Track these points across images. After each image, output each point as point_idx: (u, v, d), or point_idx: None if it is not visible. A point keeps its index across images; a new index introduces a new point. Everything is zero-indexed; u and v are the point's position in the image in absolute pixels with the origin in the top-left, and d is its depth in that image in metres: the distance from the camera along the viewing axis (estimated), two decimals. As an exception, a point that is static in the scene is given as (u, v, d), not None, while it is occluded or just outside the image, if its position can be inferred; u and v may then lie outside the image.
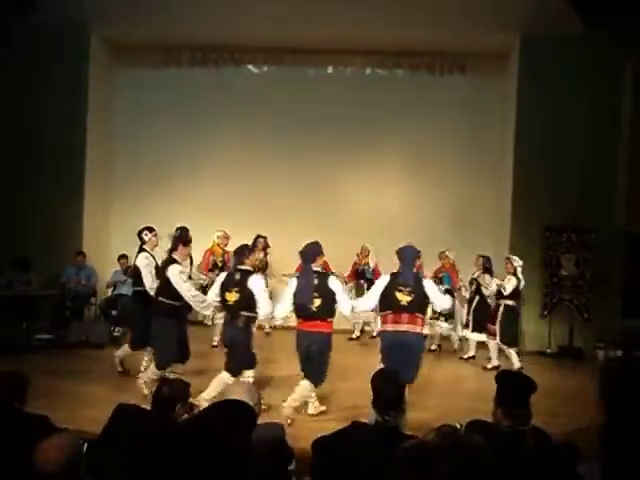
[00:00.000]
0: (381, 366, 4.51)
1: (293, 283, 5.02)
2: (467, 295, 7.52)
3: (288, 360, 5.54)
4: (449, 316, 7.61)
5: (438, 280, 7.39)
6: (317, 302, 4.85)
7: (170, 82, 9.52)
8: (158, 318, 5.31)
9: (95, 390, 5.62)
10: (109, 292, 8.85)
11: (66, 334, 7.46)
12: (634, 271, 8.05)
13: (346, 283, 7.98)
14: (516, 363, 6.76)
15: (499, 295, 7.01)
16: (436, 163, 9.41)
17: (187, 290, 5.29)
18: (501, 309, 6.96)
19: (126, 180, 9.62)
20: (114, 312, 8.37)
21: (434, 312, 6.81)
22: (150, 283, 5.77)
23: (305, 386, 4.88)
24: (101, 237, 9.46)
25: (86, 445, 2.45)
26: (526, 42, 8.36)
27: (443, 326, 7.72)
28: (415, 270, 5.01)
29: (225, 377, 4.96)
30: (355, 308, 5.08)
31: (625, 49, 7.93)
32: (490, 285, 7.07)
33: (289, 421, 4.65)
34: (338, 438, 2.67)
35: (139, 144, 9.59)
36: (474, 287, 7.36)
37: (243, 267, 5.10)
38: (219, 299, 5.16)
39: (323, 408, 5.12)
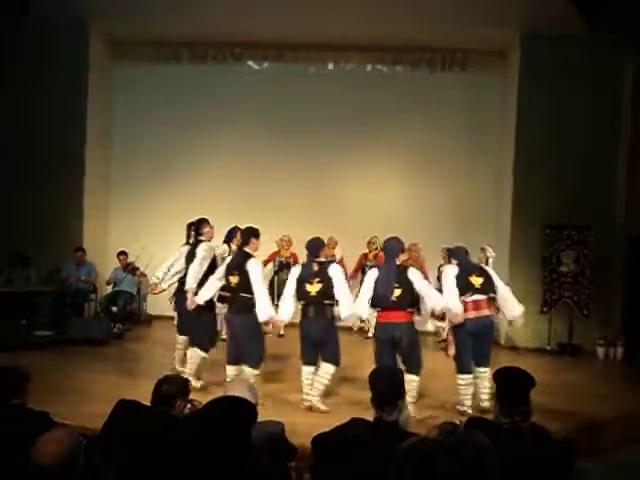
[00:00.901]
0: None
1: (373, 274, 5.05)
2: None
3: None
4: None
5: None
6: (398, 292, 4.86)
7: (169, 79, 9.50)
8: (243, 315, 5.17)
9: (95, 386, 5.64)
10: (109, 288, 8.86)
11: (66, 330, 7.45)
12: (634, 268, 8.05)
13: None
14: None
15: None
16: (436, 160, 9.41)
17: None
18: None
19: (126, 177, 9.62)
20: (114, 308, 8.38)
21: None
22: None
23: (411, 379, 4.79)
24: (101, 234, 9.46)
25: (86, 441, 2.45)
26: (526, 40, 8.34)
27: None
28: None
29: (330, 369, 5.00)
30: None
31: (626, 49, 7.92)
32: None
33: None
34: (337, 434, 2.68)
35: (138, 141, 9.58)
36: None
37: (320, 259, 5.15)
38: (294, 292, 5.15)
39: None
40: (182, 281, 5.91)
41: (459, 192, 9.31)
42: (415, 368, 4.89)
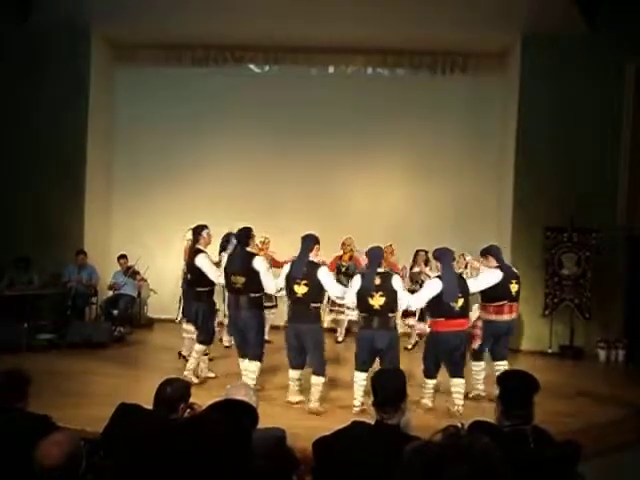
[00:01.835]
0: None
1: (437, 284, 5.08)
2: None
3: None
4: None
5: (344, 270, 7.94)
6: (460, 302, 5.04)
7: (171, 81, 9.51)
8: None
9: (96, 389, 5.64)
10: (110, 292, 8.86)
11: (67, 334, 7.44)
12: (635, 270, 8.04)
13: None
14: None
15: None
16: (437, 162, 9.41)
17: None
18: None
19: (127, 179, 9.63)
20: (115, 312, 8.38)
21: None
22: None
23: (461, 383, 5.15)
24: (102, 236, 9.46)
25: (87, 444, 2.45)
26: (528, 42, 8.34)
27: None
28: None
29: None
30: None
31: (627, 49, 7.92)
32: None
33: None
34: (338, 437, 2.67)
35: (140, 143, 9.59)
36: (420, 282, 7.50)
37: (381, 270, 5.11)
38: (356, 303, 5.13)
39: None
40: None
41: (460, 194, 9.30)
42: (463, 371, 5.20)
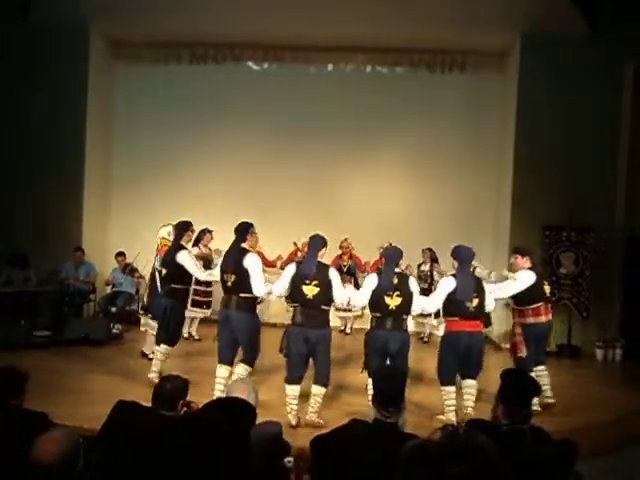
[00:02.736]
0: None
1: (450, 281, 4.97)
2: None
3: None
4: None
5: (345, 269, 7.97)
6: (475, 302, 4.91)
7: (170, 79, 9.50)
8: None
9: (94, 387, 5.63)
10: (108, 289, 8.85)
11: (65, 331, 7.43)
12: (633, 270, 8.05)
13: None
14: None
15: None
16: (436, 161, 9.41)
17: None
18: None
19: (126, 177, 9.62)
20: (113, 309, 8.37)
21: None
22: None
23: (473, 384, 5.00)
24: (100, 234, 9.45)
25: (85, 441, 2.45)
26: (527, 41, 8.34)
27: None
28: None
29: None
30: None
31: (626, 50, 7.93)
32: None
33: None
34: (337, 436, 2.67)
35: (139, 141, 9.58)
36: (428, 280, 7.66)
37: (398, 270, 4.99)
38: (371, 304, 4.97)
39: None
40: None
41: (459, 193, 9.31)
42: (477, 373, 5.06)
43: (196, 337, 7.88)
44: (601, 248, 8.05)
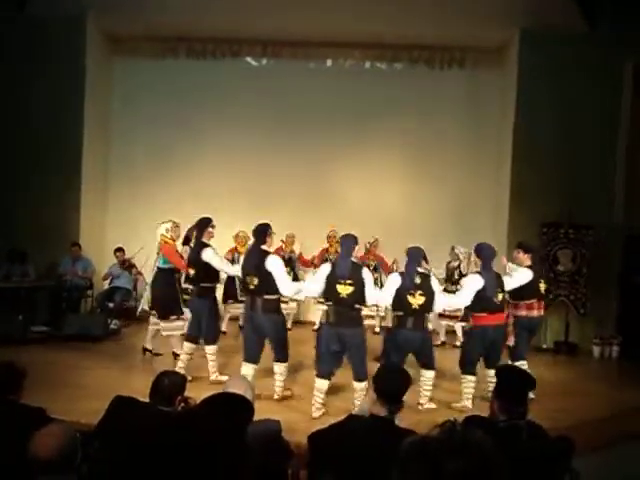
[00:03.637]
0: None
1: (478, 279, 5.12)
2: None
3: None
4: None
5: (373, 269, 7.84)
6: (500, 296, 5.15)
7: (167, 74, 9.47)
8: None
9: (91, 382, 5.62)
10: (105, 284, 8.84)
11: (62, 326, 7.43)
12: (631, 267, 8.07)
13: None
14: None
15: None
16: (434, 157, 9.41)
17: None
18: None
19: (123, 172, 9.59)
20: (111, 304, 8.37)
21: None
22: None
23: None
24: (98, 229, 9.44)
25: (82, 436, 2.45)
26: (526, 38, 8.33)
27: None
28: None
29: (432, 374, 5.10)
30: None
31: (626, 47, 7.92)
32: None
33: None
34: (334, 431, 2.68)
35: (136, 136, 9.55)
36: (456, 275, 7.59)
37: (421, 270, 5.03)
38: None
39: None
40: None
41: (457, 189, 9.31)
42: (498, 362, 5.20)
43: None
44: (599, 245, 8.06)
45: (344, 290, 4.71)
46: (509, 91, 8.75)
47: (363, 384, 4.79)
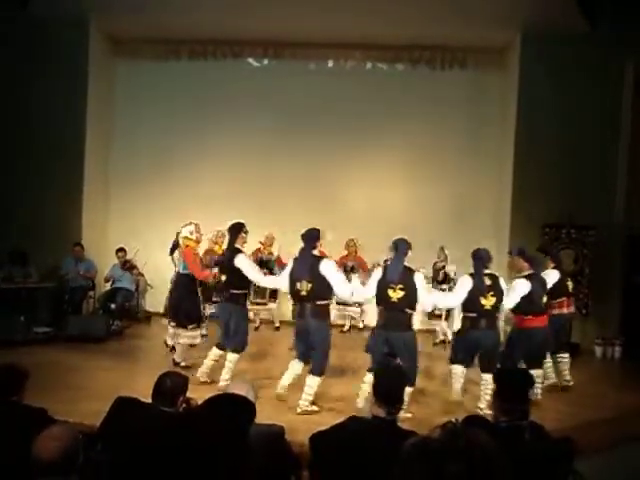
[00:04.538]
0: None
1: (525, 284, 5.28)
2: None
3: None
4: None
5: (349, 269, 7.92)
6: (544, 299, 5.45)
7: (169, 75, 9.48)
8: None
9: (93, 383, 5.63)
10: (107, 285, 8.85)
11: (65, 327, 7.44)
12: (632, 268, 8.05)
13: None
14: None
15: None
16: (436, 158, 9.40)
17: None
18: None
19: (125, 174, 9.60)
20: (113, 305, 8.37)
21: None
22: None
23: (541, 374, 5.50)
24: (100, 230, 9.45)
25: (85, 437, 2.45)
26: (527, 39, 8.33)
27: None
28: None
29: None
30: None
31: (626, 48, 7.91)
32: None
33: None
34: (336, 432, 2.68)
35: (138, 137, 9.57)
36: (441, 275, 7.68)
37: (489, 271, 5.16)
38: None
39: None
40: None
41: (458, 190, 9.30)
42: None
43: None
44: (600, 246, 8.05)
45: (395, 295, 4.81)
46: (510, 92, 8.75)
47: (409, 389, 4.73)
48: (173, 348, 6.53)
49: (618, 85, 8.20)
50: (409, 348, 4.83)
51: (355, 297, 5.35)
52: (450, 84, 9.32)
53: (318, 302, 4.93)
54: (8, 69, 8.55)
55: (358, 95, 9.33)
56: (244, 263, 5.42)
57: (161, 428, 2.60)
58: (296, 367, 5.11)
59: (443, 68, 9.31)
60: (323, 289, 4.93)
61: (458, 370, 5.26)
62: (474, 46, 9.06)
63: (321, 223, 8.53)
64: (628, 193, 8.22)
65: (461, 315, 5.33)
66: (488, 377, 4.92)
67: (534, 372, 5.18)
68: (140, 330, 8.48)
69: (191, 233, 6.20)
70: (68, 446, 2.20)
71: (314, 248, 5.07)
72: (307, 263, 4.96)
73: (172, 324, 6.30)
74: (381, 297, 4.86)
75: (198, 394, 3.05)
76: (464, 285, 5.13)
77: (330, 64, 9.63)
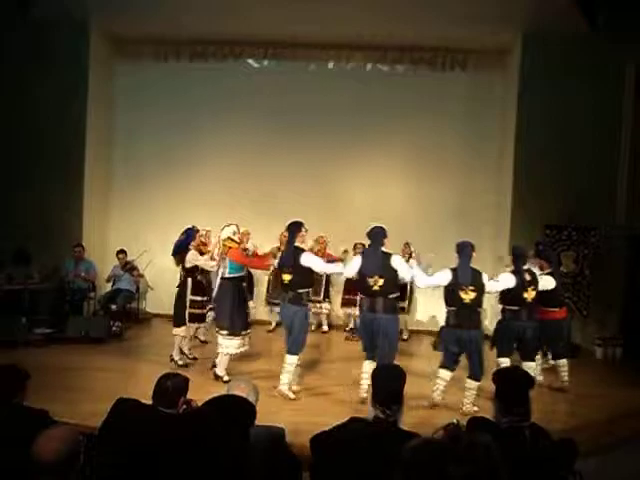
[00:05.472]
0: None
1: (550, 280, 5.76)
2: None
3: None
4: None
5: None
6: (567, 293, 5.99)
7: (170, 76, 9.49)
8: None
9: (94, 385, 5.64)
10: (108, 286, 8.85)
11: (65, 328, 7.44)
12: (634, 269, 8.05)
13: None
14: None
15: None
16: (437, 159, 9.40)
17: None
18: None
19: (126, 174, 9.62)
20: (113, 307, 8.37)
21: None
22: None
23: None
24: (100, 232, 9.46)
25: (85, 439, 2.45)
26: (528, 40, 8.34)
27: None
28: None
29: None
30: None
31: (627, 48, 7.91)
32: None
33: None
34: (337, 433, 2.68)
35: (139, 138, 9.58)
36: None
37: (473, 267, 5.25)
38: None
39: None
40: None
41: (459, 191, 9.30)
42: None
43: (202, 338, 7.50)
44: (602, 247, 8.05)
45: (467, 296, 5.11)
46: (511, 92, 8.75)
47: (475, 383, 5.16)
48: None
49: (619, 86, 8.19)
50: (478, 346, 5.16)
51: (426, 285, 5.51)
52: (451, 85, 9.32)
53: (390, 296, 5.18)
54: (9, 69, 8.56)
55: (359, 96, 9.33)
56: (311, 260, 5.47)
57: (161, 430, 2.60)
58: (369, 368, 5.17)
59: (444, 69, 9.31)
60: (394, 284, 5.22)
61: (506, 361, 5.45)
62: (474, 47, 9.07)
63: (321, 223, 8.65)
64: (629, 194, 8.21)
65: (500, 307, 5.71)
66: (530, 365, 5.42)
67: (561, 362, 5.94)
68: (141, 331, 8.48)
69: (234, 233, 6.11)
70: (69, 447, 2.20)
71: (382, 245, 5.29)
72: (378, 259, 5.20)
73: (223, 332, 5.87)
74: (452, 299, 5.16)
75: (198, 395, 3.05)
76: (507, 282, 5.42)
77: (330, 65, 9.63)
